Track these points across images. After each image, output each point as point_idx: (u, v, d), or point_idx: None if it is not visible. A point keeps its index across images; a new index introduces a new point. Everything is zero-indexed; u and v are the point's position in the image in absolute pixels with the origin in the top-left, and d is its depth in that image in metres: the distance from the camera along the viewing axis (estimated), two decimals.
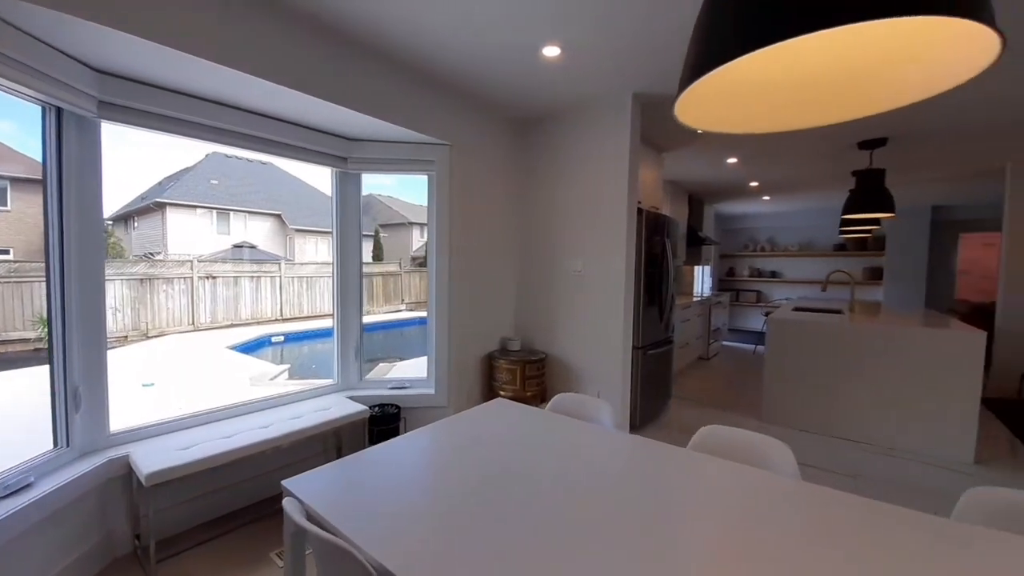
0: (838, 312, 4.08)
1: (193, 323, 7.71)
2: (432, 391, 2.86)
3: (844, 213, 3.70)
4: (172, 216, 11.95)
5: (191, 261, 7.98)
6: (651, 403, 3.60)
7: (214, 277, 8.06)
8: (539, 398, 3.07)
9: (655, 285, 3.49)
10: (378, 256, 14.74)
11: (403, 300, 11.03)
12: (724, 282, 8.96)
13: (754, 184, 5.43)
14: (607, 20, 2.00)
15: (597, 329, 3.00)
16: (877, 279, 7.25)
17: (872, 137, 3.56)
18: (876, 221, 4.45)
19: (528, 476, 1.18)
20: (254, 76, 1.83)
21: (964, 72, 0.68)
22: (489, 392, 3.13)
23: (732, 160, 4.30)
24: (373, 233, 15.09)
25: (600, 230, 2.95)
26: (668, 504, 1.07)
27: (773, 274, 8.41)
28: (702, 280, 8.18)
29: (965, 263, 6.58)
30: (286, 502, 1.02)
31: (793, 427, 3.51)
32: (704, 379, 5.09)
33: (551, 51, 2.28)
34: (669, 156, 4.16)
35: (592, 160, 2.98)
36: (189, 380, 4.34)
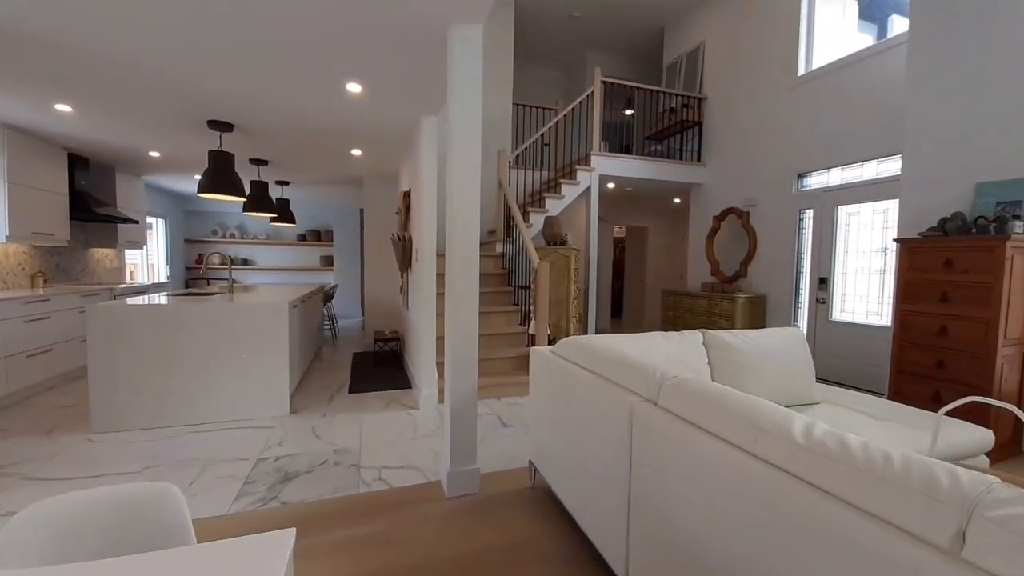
0: (217, 294, 4.04)
1: None
2: None
3: (199, 191, 3.59)
4: None
5: None
6: None
7: None
8: None
9: None
10: None
11: None
12: (192, 270, 7.96)
13: (155, 154, 4.72)
14: None
15: None
16: (331, 266, 8.45)
17: (218, 119, 3.60)
18: (271, 206, 4.79)
19: None
20: None
21: None
22: None
23: (65, 108, 3.35)
24: None
25: None
26: None
27: (245, 262, 8.20)
28: (145, 266, 6.85)
29: None
30: None
31: (131, 428, 3.06)
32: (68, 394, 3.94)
33: None
34: None
35: None
36: None
